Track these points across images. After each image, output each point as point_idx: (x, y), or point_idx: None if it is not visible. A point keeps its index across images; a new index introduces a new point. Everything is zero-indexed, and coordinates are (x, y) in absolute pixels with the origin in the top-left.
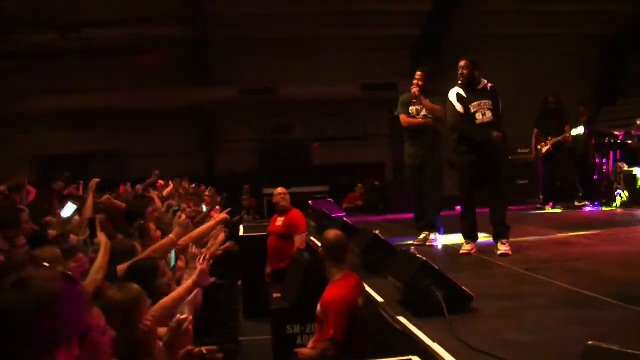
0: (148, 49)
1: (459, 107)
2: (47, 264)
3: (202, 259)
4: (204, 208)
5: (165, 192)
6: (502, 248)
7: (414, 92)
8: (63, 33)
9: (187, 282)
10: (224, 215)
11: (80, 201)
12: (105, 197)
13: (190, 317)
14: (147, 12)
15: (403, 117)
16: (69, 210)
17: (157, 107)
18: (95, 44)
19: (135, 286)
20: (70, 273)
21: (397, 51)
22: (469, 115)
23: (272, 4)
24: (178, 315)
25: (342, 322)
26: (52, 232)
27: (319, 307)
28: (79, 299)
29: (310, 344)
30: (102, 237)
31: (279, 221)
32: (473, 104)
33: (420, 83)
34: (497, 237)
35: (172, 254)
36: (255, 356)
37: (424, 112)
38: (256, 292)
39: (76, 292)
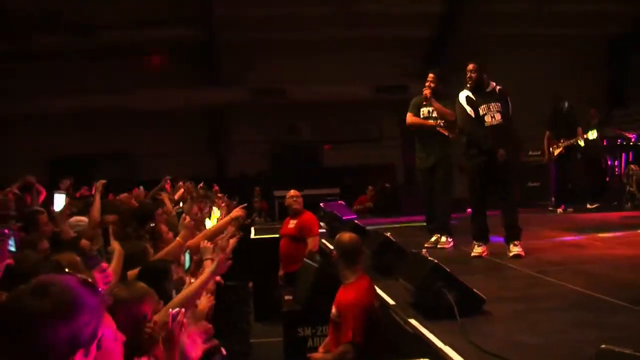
0: (158, 50)
1: (469, 109)
2: (67, 270)
3: (217, 248)
4: (215, 210)
5: (177, 195)
6: (515, 250)
7: (426, 94)
8: (74, 35)
9: (206, 273)
10: (238, 211)
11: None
12: (124, 194)
13: (183, 310)
14: (157, 14)
15: (409, 115)
16: (59, 201)
17: (168, 108)
18: (106, 45)
19: (142, 284)
20: (90, 280)
21: (408, 53)
22: (477, 118)
23: (283, 4)
24: (170, 310)
25: (361, 325)
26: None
27: (334, 309)
28: (98, 306)
29: (321, 348)
30: (115, 245)
31: (292, 223)
32: (482, 107)
33: (432, 85)
34: (509, 239)
35: (187, 256)
36: (266, 358)
37: (435, 114)
38: (267, 294)
39: (95, 299)
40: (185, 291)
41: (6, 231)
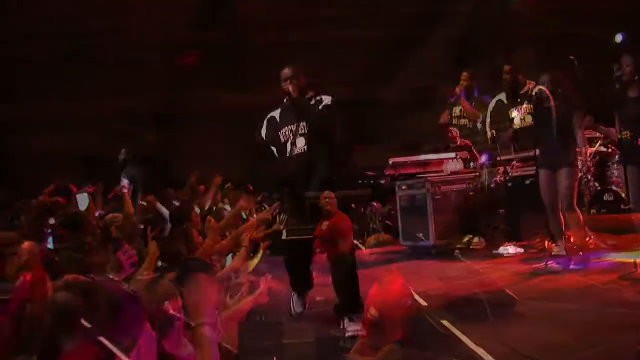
0: (188, 53)
1: (488, 121)
2: (111, 275)
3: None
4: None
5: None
6: (557, 249)
7: (455, 91)
8: (103, 37)
9: (247, 300)
10: (266, 214)
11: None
12: (151, 196)
13: None
14: (188, 16)
15: (444, 114)
16: (82, 201)
17: (198, 110)
18: (137, 47)
19: (166, 283)
20: (114, 278)
21: (438, 53)
22: (505, 121)
23: (310, 5)
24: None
25: (407, 323)
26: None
27: (373, 310)
28: (137, 312)
29: (353, 350)
30: (152, 247)
31: (324, 225)
32: (512, 109)
33: (464, 83)
34: (552, 238)
35: (228, 259)
36: (298, 358)
37: (465, 114)
38: (299, 293)
39: (135, 306)
40: (225, 314)
41: (45, 230)
